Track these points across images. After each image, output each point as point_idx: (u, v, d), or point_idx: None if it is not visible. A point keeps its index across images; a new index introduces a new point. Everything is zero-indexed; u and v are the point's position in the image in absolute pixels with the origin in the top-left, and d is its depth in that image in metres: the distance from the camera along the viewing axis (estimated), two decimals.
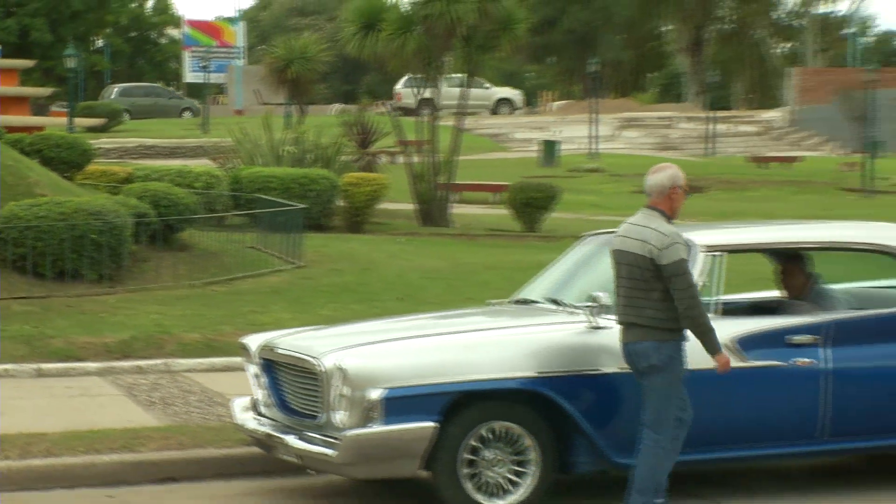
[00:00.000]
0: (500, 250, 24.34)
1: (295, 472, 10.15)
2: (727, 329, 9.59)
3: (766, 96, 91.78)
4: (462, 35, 28.66)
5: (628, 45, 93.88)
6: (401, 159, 33.38)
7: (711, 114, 62.55)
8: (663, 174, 9.30)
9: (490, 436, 9.25)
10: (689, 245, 9.28)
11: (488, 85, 71.38)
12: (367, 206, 27.25)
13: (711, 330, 9.07)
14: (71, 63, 50.65)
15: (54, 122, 43.73)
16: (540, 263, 12.96)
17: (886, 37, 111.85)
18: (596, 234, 11.53)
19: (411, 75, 61.53)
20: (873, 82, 44.88)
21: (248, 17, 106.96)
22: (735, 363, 9.49)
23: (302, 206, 22.22)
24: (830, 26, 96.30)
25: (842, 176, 46.85)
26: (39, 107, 61.18)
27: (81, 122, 51.89)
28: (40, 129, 30.10)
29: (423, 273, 20.60)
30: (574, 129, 60.35)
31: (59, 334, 14.88)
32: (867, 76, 45.66)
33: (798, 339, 9.74)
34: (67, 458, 10.32)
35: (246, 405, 10.41)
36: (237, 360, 11.99)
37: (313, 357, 9.44)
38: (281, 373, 9.97)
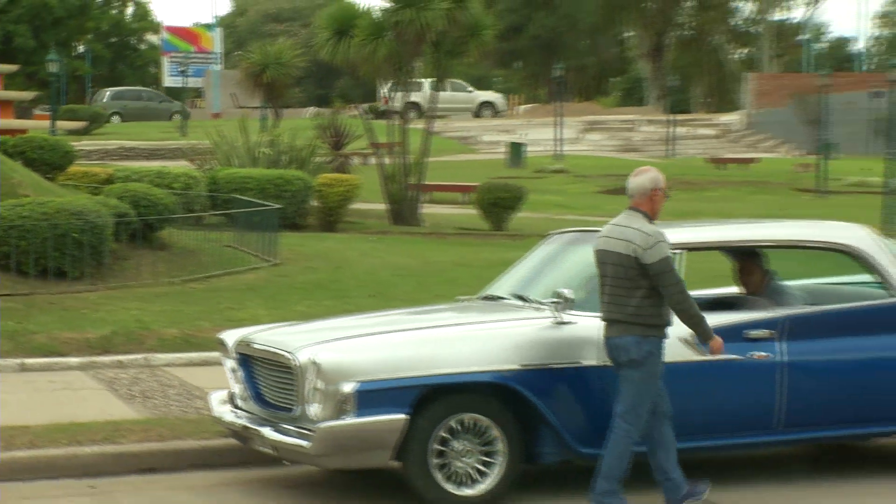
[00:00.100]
0: (469, 248, 24.36)
1: (271, 462, 10.14)
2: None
3: (723, 100, 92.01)
4: (431, 41, 28.67)
5: (592, 51, 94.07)
6: (373, 161, 33.34)
7: (672, 117, 62.69)
8: (645, 177, 9.36)
9: (459, 427, 9.26)
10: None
11: (471, 89, 71.56)
12: (340, 206, 27.24)
13: (703, 319, 9.17)
14: (53, 68, 50.38)
15: (37, 125, 43.49)
16: (507, 261, 12.97)
17: (839, 43, 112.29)
18: (561, 232, 11.55)
19: (400, 80, 61.61)
20: (826, 87, 44.99)
21: (225, 23, 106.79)
22: (694, 357, 9.54)
23: (277, 206, 22.21)
24: (785, 33, 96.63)
25: (796, 177, 47.00)
26: (23, 110, 60.84)
27: (63, 124, 51.61)
28: (23, 131, 29.97)
29: (394, 270, 20.61)
30: (540, 132, 60.40)
31: (42, 330, 14.84)
32: (821, 81, 45.78)
33: (755, 333, 9.77)
34: (50, 450, 10.29)
35: (223, 398, 10.40)
36: (215, 354, 11.97)
37: (288, 352, 9.43)
38: (257, 367, 9.96)
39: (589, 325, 9.59)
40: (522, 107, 78.86)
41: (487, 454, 9.32)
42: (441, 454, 9.21)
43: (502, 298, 10.74)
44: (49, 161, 24.88)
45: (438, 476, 9.19)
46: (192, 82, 75.81)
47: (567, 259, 11.01)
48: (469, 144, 59.29)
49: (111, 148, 49.89)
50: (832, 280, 11.49)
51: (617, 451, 9.11)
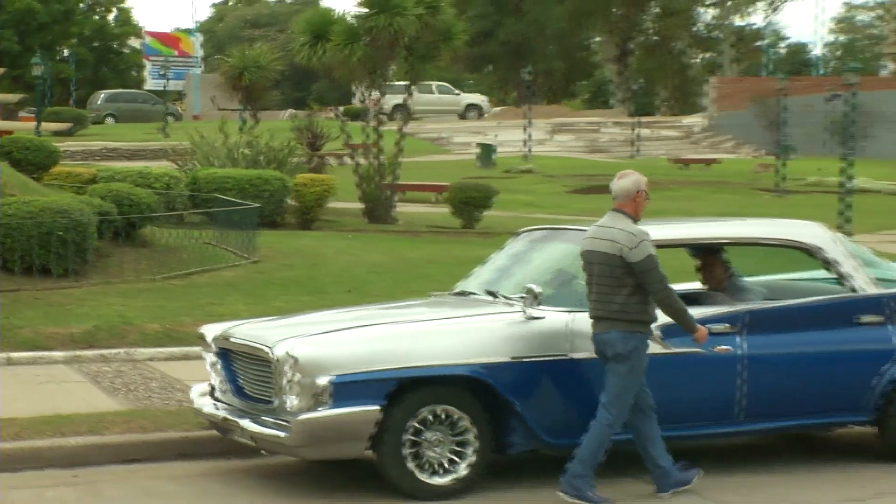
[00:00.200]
0: (441, 246, 24.36)
1: (249, 453, 10.15)
2: None
3: (686, 103, 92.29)
4: (404, 45, 28.65)
5: (559, 56, 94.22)
6: (348, 161, 33.31)
7: (636, 119, 62.81)
8: (628, 179, 9.47)
9: (432, 419, 9.26)
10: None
11: (457, 92, 71.62)
12: (316, 205, 27.19)
13: (686, 311, 9.30)
14: (38, 71, 50.19)
15: (22, 127, 43.37)
16: (478, 258, 12.98)
17: (796, 48, 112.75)
18: (529, 230, 11.57)
19: (384, 83, 61.64)
20: (785, 90, 45.09)
21: (205, 28, 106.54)
22: (658, 350, 9.57)
23: (256, 205, 22.17)
24: (745, 38, 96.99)
25: (756, 177, 47.15)
26: (9, 112, 60.65)
27: (48, 126, 51.41)
28: (9, 132, 29.84)
29: (369, 267, 20.59)
30: (509, 134, 60.43)
31: (28, 325, 14.78)
32: (779, 84, 45.88)
33: (716, 327, 9.80)
34: (36, 441, 10.26)
35: (203, 391, 10.39)
36: (195, 348, 11.95)
37: (266, 346, 9.43)
38: (236, 361, 9.95)
39: (556, 319, 9.62)
40: (492, 109, 78.93)
41: (459, 444, 9.32)
42: (414, 444, 9.22)
43: (473, 294, 10.75)
44: (34, 161, 24.81)
45: (412, 466, 9.20)
46: (174, 85, 75.63)
47: (535, 256, 11.02)
48: (441, 145, 59.30)
49: (95, 149, 49.72)
50: (790, 276, 11.53)
51: (597, 439, 9.16)
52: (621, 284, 9.18)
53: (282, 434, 9.11)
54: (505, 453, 9.63)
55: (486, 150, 50.86)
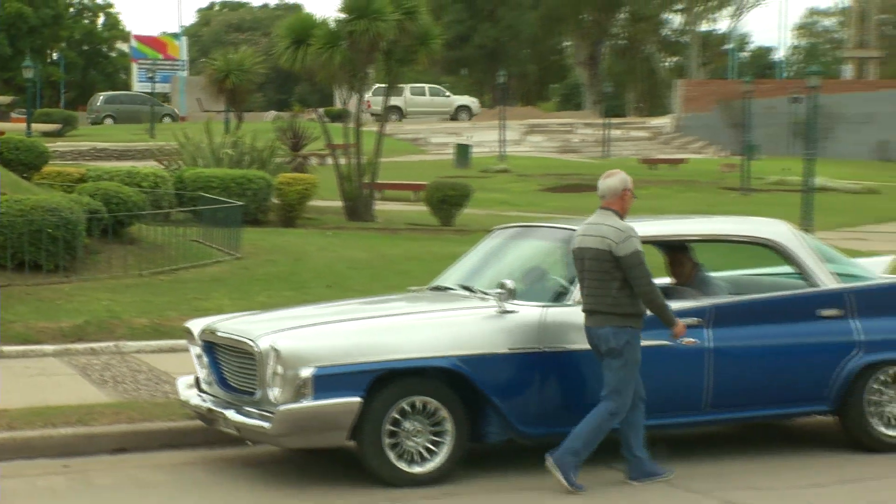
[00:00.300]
0: (419, 243, 24.34)
1: (234, 442, 10.14)
2: None
3: (655, 105, 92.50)
4: (383, 49, 28.62)
5: (533, 59, 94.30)
6: (329, 161, 33.26)
7: (607, 120, 62.85)
8: (615, 178, 9.55)
9: (410, 409, 9.26)
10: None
11: (448, 94, 71.62)
12: (298, 203, 27.14)
13: (667, 307, 9.37)
14: (29, 74, 50.04)
15: (14, 128, 43.29)
16: (455, 254, 12.98)
17: (761, 52, 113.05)
18: (504, 227, 11.59)
19: (378, 84, 61.88)
20: (749, 92, 45.17)
21: (190, 32, 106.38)
22: None
23: (240, 203, 22.13)
24: (711, 43, 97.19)
25: (722, 176, 47.24)
26: (0, 113, 60.53)
27: (39, 127, 51.35)
28: (0, 133, 29.73)
29: (349, 263, 20.57)
30: (485, 135, 60.46)
31: (19, 319, 14.73)
32: (744, 87, 45.96)
33: (684, 321, 9.80)
34: (27, 432, 10.23)
35: (189, 383, 10.37)
36: (182, 342, 11.93)
37: (250, 339, 9.42)
38: (221, 353, 9.93)
39: (530, 313, 9.62)
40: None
41: (436, 434, 9.32)
42: (393, 434, 9.21)
43: (450, 289, 10.74)
44: (25, 161, 24.72)
45: (391, 455, 9.19)
46: (160, 88, 75.53)
47: (510, 252, 11.03)
48: (419, 146, 59.26)
49: (84, 149, 49.53)
50: (755, 272, 11.56)
51: (595, 424, 9.23)
52: (611, 278, 9.24)
53: (265, 424, 9.10)
54: (481, 442, 9.63)
55: (463, 151, 50.85)
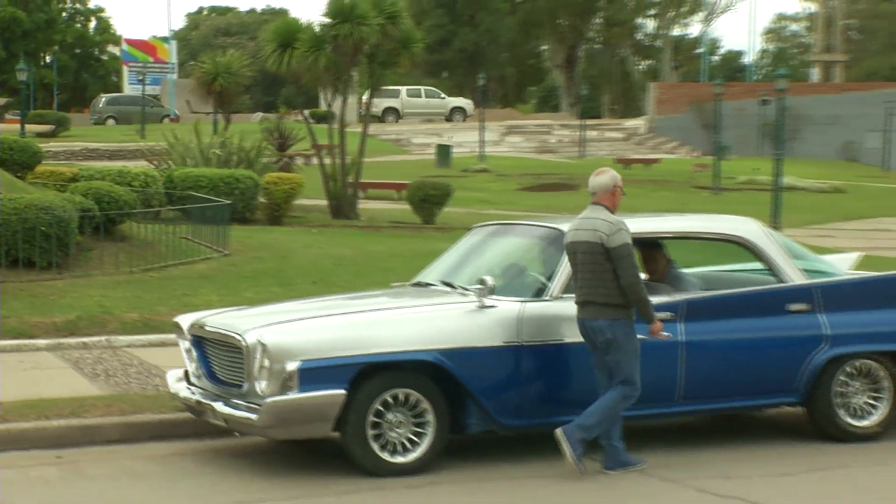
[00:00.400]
0: (402, 240, 24.33)
1: (222, 434, 10.11)
2: None
3: (629, 107, 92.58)
4: (367, 53, 28.59)
5: (511, 63, 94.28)
6: (314, 161, 33.23)
7: (583, 122, 62.89)
8: (606, 176, 9.63)
9: (393, 401, 9.25)
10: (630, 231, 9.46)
11: (444, 96, 71.62)
12: (285, 202, 27.12)
13: (649, 303, 9.36)
14: (22, 76, 49.98)
15: (8, 129, 43.15)
16: (436, 251, 12.97)
17: (731, 56, 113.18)
18: (483, 225, 11.59)
19: (381, 87, 61.99)
20: (720, 95, 45.25)
21: (180, 36, 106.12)
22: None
23: (228, 202, 22.09)
24: (684, 47, 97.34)
25: (694, 175, 47.32)
26: None
27: (32, 128, 51.24)
28: None
29: (334, 260, 20.55)
30: (465, 135, 60.45)
31: (13, 315, 14.68)
32: (715, 89, 46.05)
33: (658, 315, 9.81)
34: (21, 424, 10.20)
35: (179, 376, 10.35)
36: (171, 336, 11.90)
37: (238, 334, 9.39)
38: (209, 348, 9.91)
39: (508, 308, 9.62)
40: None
41: (418, 425, 9.32)
42: (377, 426, 9.20)
43: (431, 285, 10.73)
44: (19, 161, 24.63)
45: (374, 445, 9.18)
46: (150, 90, 75.25)
47: (489, 249, 11.03)
48: (402, 146, 59.22)
49: (76, 149, 49.38)
50: (726, 268, 11.57)
51: (608, 404, 9.29)
52: (604, 270, 9.29)
53: (252, 416, 9.09)
54: (462, 433, 9.63)
55: (444, 151, 50.86)
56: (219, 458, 9.90)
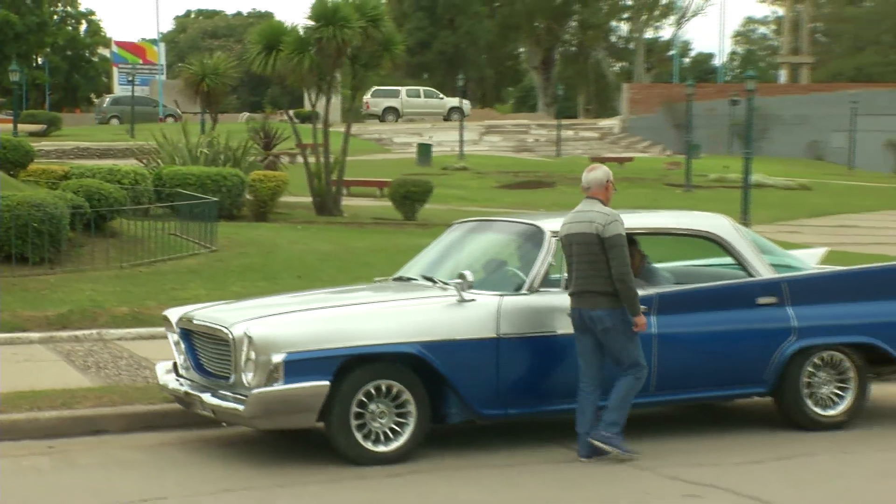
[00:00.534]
0: (384, 236, 24.31)
1: (210, 424, 10.08)
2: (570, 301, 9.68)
3: (603, 107, 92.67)
4: (349, 55, 28.55)
5: (490, 64, 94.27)
6: (299, 159, 33.16)
7: (559, 121, 62.93)
8: (599, 171, 9.78)
9: (375, 392, 9.24)
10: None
11: (441, 96, 71.55)
12: (270, 199, 27.06)
13: (637, 295, 9.38)
14: (15, 77, 49.69)
15: (1, 128, 42.85)
16: (417, 247, 12.95)
17: (701, 58, 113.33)
18: (463, 221, 11.59)
19: (377, 87, 61.61)
20: (691, 95, 45.34)
21: (168, 38, 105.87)
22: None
23: (215, 199, 22.03)
24: (656, 49, 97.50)
25: (666, 173, 47.42)
26: None
27: (25, 127, 51.00)
28: None
29: (318, 255, 20.52)
30: (445, 135, 60.43)
31: (6, 308, 14.63)
32: (686, 90, 46.14)
33: None
34: (13, 414, 10.16)
35: (168, 368, 10.32)
36: (160, 329, 11.87)
37: (225, 327, 9.37)
38: (197, 340, 9.88)
39: (487, 302, 9.62)
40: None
41: (400, 416, 9.31)
42: (360, 416, 9.19)
43: (413, 279, 10.72)
44: (12, 160, 24.51)
45: (358, 435, 9.17)
46: (139, 91, 75.01)
47: (468, 245, 11.02)
48: (384, 145, 59.16)
49: (67, 148, 49.19)
50: (697, 262, 11.58)
51: (623, 393, 9.39)
52: (599, 260, 9.34)
53: (239, 407, 9.06)
54: (442, 423, 9.62)
55: (425, 150, 50.84)
56: (206, 447, 9.88)
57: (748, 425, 10.76)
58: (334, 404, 9.08)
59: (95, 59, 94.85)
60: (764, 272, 10.56)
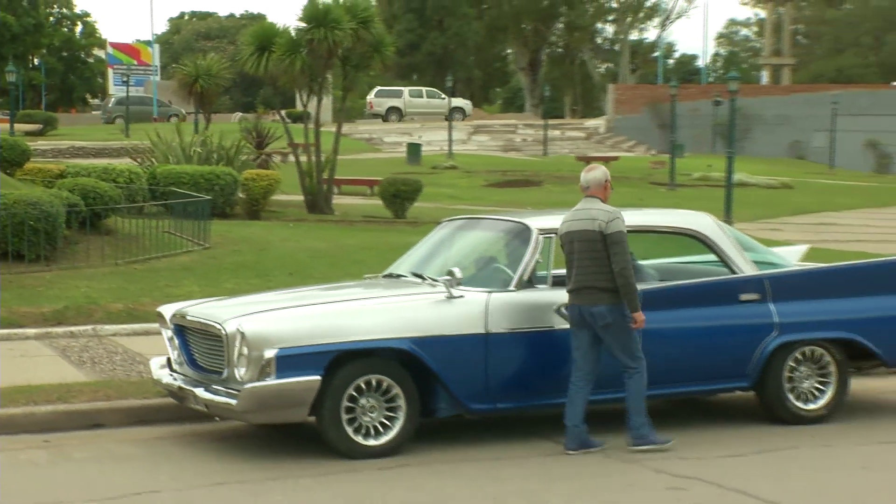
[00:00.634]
0: (374, 234, 24.29)
1: (203, 418, 10.08)
2: (557, 298, 9.69)
3: (589, 107, 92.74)
4: (340, 56, 28.50)
5: (478, 65, 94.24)
6: (291, 159, 33.10)
7: (546, 121, 62.92)
8: (598, 171, 9.79)
9: (366, 387, 9.23)
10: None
11: (444, 96, 71.51)
12: (263, 198, 27.01)
13: (636, 291, 9.41)
14: (11, 78, 49.62)
15: None
16: (407, 244, 12.94)
17: (685, 59, 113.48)
18: (451, 219, 11.57)
19: (380, 87, 61.49)
20: (675, 96, 45.34)
21: (162, 40, 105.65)
22: (566, 326, 9.58)
23: (208, 197, 21.98)
24: (641, 50, 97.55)
25: (651, 172, 47.41)
26: None
27: (21, 127, 50.92)
28: None
29: (310, 253, 20.49)
30: (434, 134, 60.40)
31: (3, 305, 14.59)
32: (670, 91, 46.13)
33: None
34: (10, 409, 10.14)
35: (162, 363, 10.31)
36: (154, 325, 11.82)
37: (218, 323, 9.36)
38: (191, 336, 9.87)
39: (476, 299, 9.61)
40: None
41: (390, 410, 9.30)
42: (350, 410, 9.19)
43: (403, 276, 10.72)
44: (8, 159, 24.46)
45: (348, 429, 9.17)
46: (134, 91, 74.90)
47: (457, 242, 11.01)
48: (374, 144, 59.12)
49: (63, 147, 49.04)
50: (680, 260, 11.58)
51: (635, 392, 9.43)
52: (600, 257, 9.36)
53: (232, 401, 9.05)
54: (431, 417, 9.62)
55: (414, 149, 50.81)
56: (200, 441, 9.87)
57: (731, 419, 10.77)
58: (325, 399, 9.08)
59: (91, 60, 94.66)
60: (746, 269, 10.58)
